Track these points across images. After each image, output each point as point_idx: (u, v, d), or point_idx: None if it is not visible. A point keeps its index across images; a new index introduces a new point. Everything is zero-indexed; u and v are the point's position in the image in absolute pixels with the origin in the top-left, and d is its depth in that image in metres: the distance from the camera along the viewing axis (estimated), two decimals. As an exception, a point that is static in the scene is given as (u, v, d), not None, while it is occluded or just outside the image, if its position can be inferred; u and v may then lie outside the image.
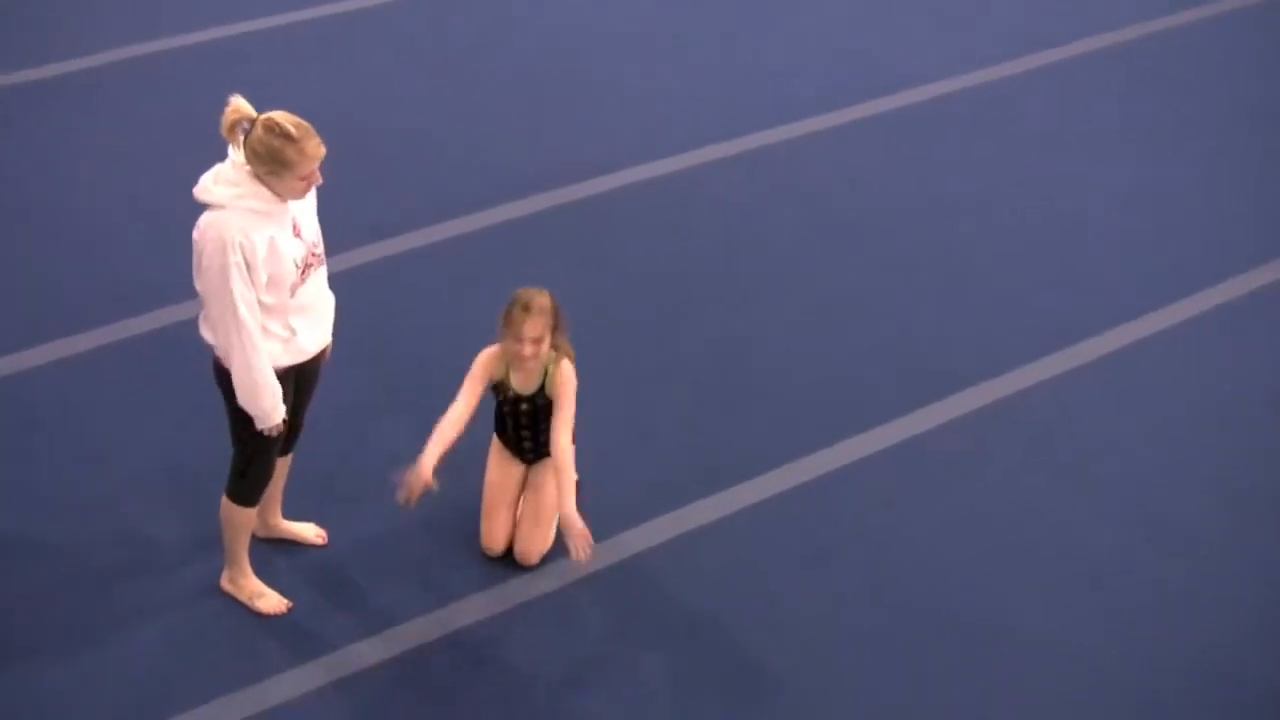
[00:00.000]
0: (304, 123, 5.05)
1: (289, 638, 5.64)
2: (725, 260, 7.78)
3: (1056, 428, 6.82)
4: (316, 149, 5.04)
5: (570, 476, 5.60)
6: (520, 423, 5.83)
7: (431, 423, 5.62)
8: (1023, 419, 6.84)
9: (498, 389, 5.76)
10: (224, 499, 5.54)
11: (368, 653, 5.59)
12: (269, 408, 5.24)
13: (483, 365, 5.71)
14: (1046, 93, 9.33)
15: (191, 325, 5.47)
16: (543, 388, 5.73)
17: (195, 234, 5.07)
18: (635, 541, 6.09)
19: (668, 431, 6.68)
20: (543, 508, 5.90)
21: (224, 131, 5.08)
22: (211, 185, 5.07)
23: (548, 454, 5.81)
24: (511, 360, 5.67)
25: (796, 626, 5.85)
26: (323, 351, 5.51)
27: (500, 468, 5.96)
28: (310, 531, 6.00)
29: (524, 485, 5.99)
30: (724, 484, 6.41)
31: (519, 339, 5.55)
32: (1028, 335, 7.33)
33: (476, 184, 8.18)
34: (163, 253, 7.15)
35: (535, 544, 5.90)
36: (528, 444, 5.91)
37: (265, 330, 5.19)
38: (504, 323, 5.61)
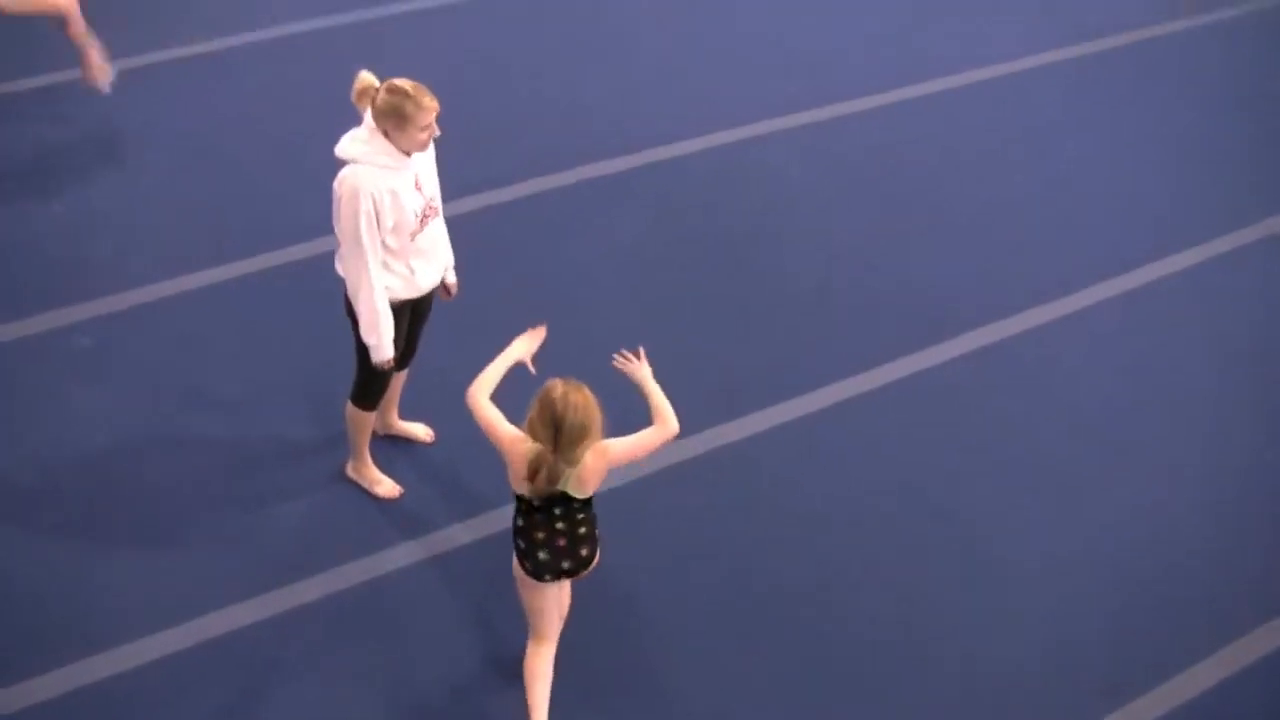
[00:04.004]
0: (418, 83, 5.43)
1: (399, 519, 6.16)
2: (767, 217, 8.13)
3: (1044, 366, 7.26)
4: (431, 103, 5.42)
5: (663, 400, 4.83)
6: (533, 519, 5.04)
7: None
8: (1014, 359, 7.35)
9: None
10: (348, 403, 6.09)
11: (461, 534, 6.11)
12: (383, 342, 5.64)
13: (508, 440, 4.96)
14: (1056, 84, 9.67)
15: (328, 260, 5.86)
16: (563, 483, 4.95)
17: (335, 184, 5.48)
18: (670, 455, 6.44)
19: (690, 362, 6.88)
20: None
21: (354, 99, 5.47)
22: (348, 144, 5.51)
23: (566, 571, 5.18)
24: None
25: (807, 522, 6.39)
26: (437, 286, 5.96)
27: (531, 590, 5.27)
28: (421, 430, 6.53)
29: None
30: (741, 411, 6.84)
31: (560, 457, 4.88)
32: (1023, 287, 7.78)
33: (562, 146, 8.54)
34: (306, 199, 7.34)
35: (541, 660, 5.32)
36: (545, 556, 5.16)
37: (389, 269, 5.63)
38: (531, 429, 4.85)
